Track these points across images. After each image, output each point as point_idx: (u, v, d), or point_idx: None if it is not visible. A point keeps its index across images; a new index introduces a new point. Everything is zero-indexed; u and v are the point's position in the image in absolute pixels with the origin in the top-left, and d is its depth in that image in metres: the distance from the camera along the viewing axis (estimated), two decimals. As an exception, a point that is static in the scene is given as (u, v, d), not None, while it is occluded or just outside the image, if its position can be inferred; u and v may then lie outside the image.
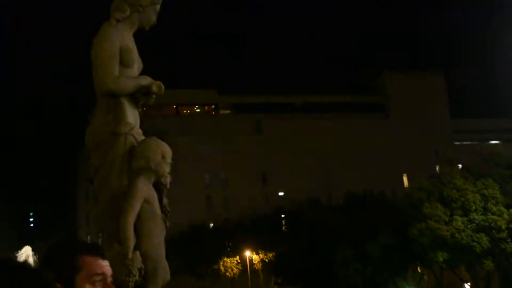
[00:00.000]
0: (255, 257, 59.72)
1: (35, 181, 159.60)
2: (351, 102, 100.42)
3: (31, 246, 35.91)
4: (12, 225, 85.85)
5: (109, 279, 3.20)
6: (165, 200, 8.14)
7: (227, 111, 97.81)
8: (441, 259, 48.54)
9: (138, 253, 7.53)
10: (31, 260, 35.00)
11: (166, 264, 7.92)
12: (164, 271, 7.83)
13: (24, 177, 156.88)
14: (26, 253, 35.57)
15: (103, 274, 3.14)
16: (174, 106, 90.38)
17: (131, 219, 7.49)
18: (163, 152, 7.97)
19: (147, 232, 7.65)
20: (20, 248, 35.89)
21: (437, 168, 79.16)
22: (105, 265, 3.18)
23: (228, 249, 61.60)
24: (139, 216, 7.58)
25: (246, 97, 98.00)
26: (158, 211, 7.89)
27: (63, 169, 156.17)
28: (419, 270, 58.30)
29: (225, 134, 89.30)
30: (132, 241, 7.46)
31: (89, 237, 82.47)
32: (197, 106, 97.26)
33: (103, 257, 3.25)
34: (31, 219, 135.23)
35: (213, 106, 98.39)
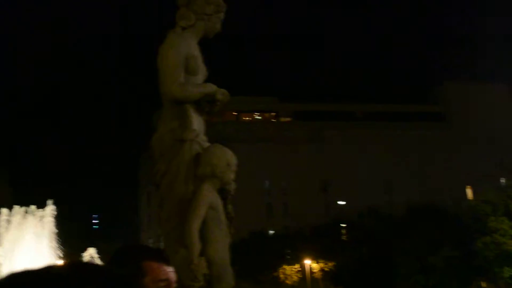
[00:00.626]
0: (315, 266, 59.35)
1: (99, 184, 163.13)
2: (413, 111, 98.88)
3: (95, 248, 36.79)
4: (76, 227, 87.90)
5: (174, 285, 3.24)
6: (229, 207, 8.22)
7: (288, 119, 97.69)
8: (507, 275, 47.15)
9: (203, 258, 7.61)
10: (95, 261, 35.81)
11: (231, 270, 7.97)
12: (229, 277, 7.89)
13: (88, 180, 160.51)
14: (90, 255, 36.46)
15: (168, 280, 3.17)
16: (235, 113, 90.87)
17: (196, 225, 7.59)
18: (228, 159, 8.06)
19: (212, 238, 7.73)
20: (84, 249, 36.80)
21: (502, 181, 77.11)
22: (169, 271, 3.22)
23: (288, 256, 61.40)
24: (204, 222, 7.67)
25: (307, 105, 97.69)
26: (223, 217, 7.97)
27: (126, 172, 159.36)
28: (483, 285, 56.77)
29: (285, 142, 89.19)
30: (197, 247, 7.55)
31: (150, 240, 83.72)
32: (257, 113, 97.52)
33: (168, 263, 3.29)
34: (95, 221, 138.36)
35: (273, 113, 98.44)
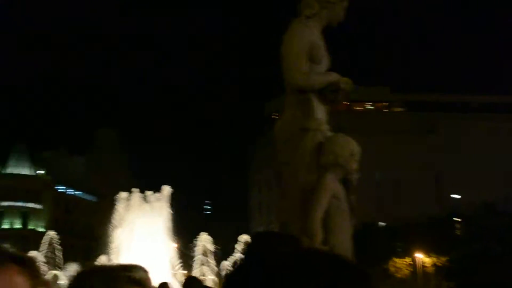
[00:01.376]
0: (427, 260, 57.88)
1: (211, 171, 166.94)
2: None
3: (207, 233, 37.65)
4: (190, 212, 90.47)
5: None
6: (352, 197, 8.15)
7: (400, 109, 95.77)
8: None
9: (326, 248, 7.60)
10: (208, 247, 36.65)
11: (354, 260, 7.92)
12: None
13: (200, 167, 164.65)
14: (203, 240, 37.35)
15: None
16: (347, 103, 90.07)
17: (319, 214, 7.58)
18: (351, 149, 8.00)
19: (335, 228, 7.70)
20: (197, 234, 37.72)
21: None
22: None
23: (399, 249, 60.24)
24: (327, 212, 7.65)
25: (419, 95, 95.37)
26: (346, 207, 7.92)
27: (237, 159, 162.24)
28: None
29: (397, 132, 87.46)
30: (320, 236, 7.55)
31: (261, 227, 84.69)
32: (369, 103, 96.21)
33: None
34: (207, 207, 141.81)
35: (385, 104, 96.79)
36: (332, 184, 7.74)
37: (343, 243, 7.78)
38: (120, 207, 35.80)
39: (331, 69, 8.85)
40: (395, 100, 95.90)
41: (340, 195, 7.85)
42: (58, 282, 36.57)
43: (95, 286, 1.84)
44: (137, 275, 1.90)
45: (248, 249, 3.47)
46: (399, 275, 58.50)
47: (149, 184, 38.23)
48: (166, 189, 35.80)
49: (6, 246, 1.48)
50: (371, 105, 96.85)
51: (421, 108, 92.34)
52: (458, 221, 62.61)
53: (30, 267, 1.38)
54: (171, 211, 35.35)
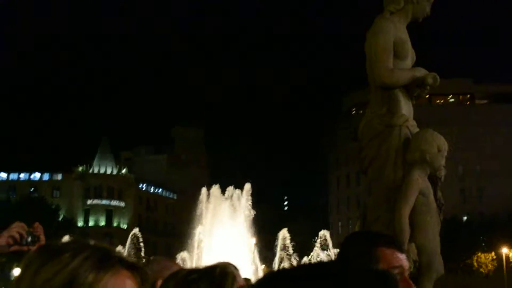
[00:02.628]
0: (512, 254, 56.16)
1: (289, 167, 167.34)
2: None
3: (286, 229, 37.72)
4: (269, 208, 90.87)
5: (406, 273, 3.22)
6: (439, 193, 8.04)
7: (484, 101, 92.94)
8: None
9: (413, 245, 7.53)
10: (287, 242, 36.75)
11: (441, 258, 7.80)
12: (439, 265, 7.73)
13: (278, 163, 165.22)
14: (283, 236, 37.47)
15: (401, 266, 3.15)
16: (427, 96, 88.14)
17: (406, 211, 7.51)
18: (438, 145, 7.87)
19: (422, 225, 7.61)
20: (277, 231, 37.87)
21: None
22: (402, 258, 3.17)
23: (483, 244, 58.65)
24: (414, 208, 7.57)
25: (504, 86, 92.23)
26: (433, 204, 7.81)
27: (314, 155, 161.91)
28: None
29: (480, 125, 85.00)
30: (407, 233, 7.48)
31: (339, 223, 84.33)
32: (451, 96, 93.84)
33: (401, 250, 3.28)
34: (285, 203, 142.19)
35: (468, 96, 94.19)
36: (419, 181, 7.65)
37: (431, 240, 7.69)
38: (200, 204, 36.34)
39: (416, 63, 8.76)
40: (479, 91, 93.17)
41: (428, 192, 7.75)
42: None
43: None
44: (233, 271, 1.99)
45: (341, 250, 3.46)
46: (483, 271, 57.00)
47: (228, 181, 38.62)
48: (247, 186, 36.10)
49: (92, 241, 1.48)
50: (453, 98, 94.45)
51: (506, 100, 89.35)
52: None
53: (140, 273, 1.37)
54: (252, 208, 35.62)
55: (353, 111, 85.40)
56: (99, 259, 1.30)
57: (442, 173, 7.99)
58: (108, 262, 1.31)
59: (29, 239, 2.78)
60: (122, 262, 1.34)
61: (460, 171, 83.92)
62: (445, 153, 7.92)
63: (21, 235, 2.79)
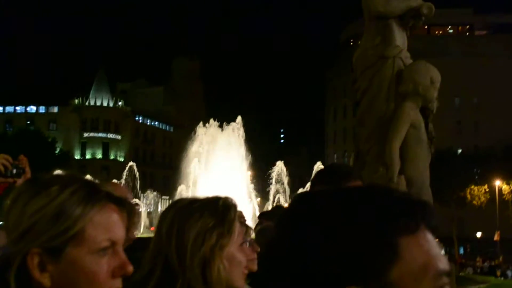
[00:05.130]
0: (506, 187, 56.70)
1: (287, 99, 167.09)
2: None
3: (282, 161, 37.88)
4: (265, 141, 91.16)
5: None
6: (431, 126, 7.97)
7: (483, 32, 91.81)
8: None
9: (403, 177, 7.52)
10: (283, 175, 37.00)
11: (429, 190, 7.81)
12: (428, 197, 7.74)
13: (276, 95, 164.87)
14: (278, 168, 37.67)
15: None
16: (426, 26, 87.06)
17: (397, 143, 7.47)
18: (432, 76, 7.75)
19: (412, 157, 7.58)
20: (274, 163, 38.06)
21: None
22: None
23: (476, 177, 59.09)
24: (405, 141, 7.53)
25: (504, 16, 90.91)
26: (424, 136, 7.76)
27: (312, 87, 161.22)
28: None
29: (479, 57, 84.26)
30: (397, 165, 7.46)
31: (335, 155, 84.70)
32: (450, 27, 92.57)
33: (357, 182, 3.21)
34: (282, 136, 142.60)
35: (467, 27, 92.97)
36: (411, 113, 7.58)
37: (421, 172, 7.67)
38: (196, 137, 36.38)
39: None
40: (478, 22, 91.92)
41: (419, 124, 7.69)
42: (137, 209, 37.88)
43: (207, 219, 1.91)
44: (233, 202, 2.00)
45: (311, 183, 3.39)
46: (475, 203, 57.63)
47: (225, 114, 38.51)
48: (240, 119, 36.03)
49: (88, 177, 1.50)
50: (452, 28, 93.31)
51: (506, 30, 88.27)
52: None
53: (127, 207, 1.39)
54: (247, 140, 35.64)
55: (351, 42, 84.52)
56: (86, 193, 1.32)
57: (435, 105, 7.90)
58: (95, 196, 1.32)
59: (14, 171, 2.74)
60: (109, 197, 1.35)
61: (457, 103, 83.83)
62: (438, 85, 7.81)
63: (5, 167, 2.75)
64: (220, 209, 1.95)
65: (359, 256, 0.83)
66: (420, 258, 0.85)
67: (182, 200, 2.07)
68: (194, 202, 2.00)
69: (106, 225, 1.33)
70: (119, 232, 1.35)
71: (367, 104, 8.06)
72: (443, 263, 0.88)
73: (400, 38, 8.12)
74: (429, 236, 0.88)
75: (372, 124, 7.94)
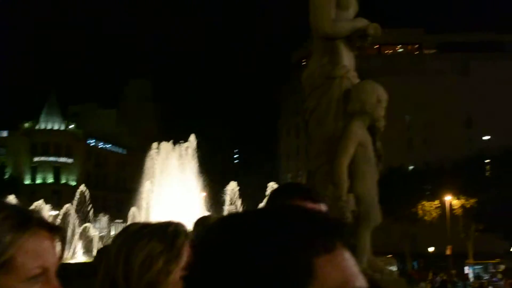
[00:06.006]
0: (456, 202, 57.74)
1: (240, 118, 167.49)
2: None
3: (235, 181, 37.82)
4: (218, 161, 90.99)
5: None
6: (378, 144, 8.11)
7: (432, 51, 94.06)
8: None
9: (351, 195, 7.62)
10: (236, 195, 36.96)
11: (379, 207, 7.93)
12: (376, 214, 7.85)
13: (229, 114, 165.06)
14: (232, 189, 37.60)
15: None
16: (377, 46, 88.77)
17: (345, 162, 7.57)
18: (378, 96, 7.90)
19: (361, 175, 7.69)
20: (226, 183, 37.98)
21: None
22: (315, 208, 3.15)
23: (428, 192, 60.12)
24: (353, 159, 7.64)
25: (452, 36, 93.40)
26: (372, 154, 7.89)
27: (266, 106, 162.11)
28: None
29: (428, 74, 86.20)
30: (346, 184, 7.56)
31: (289, 175, 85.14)
32: (400, 46, 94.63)
33: (316, 202, 3.24)
34: (236, 156, 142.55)
35: (417, 46, 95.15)
36: (358, 132, 7.70)
37: (369, 190, 7.79)
38: (149, 159, 36.14)
39: (362, 12, 8.72)
40: (427, 41, 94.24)
41: (367, 142, 7.82)
42: (88, 234, 37.37)
43: (155, 244, 1.90)
44: (183, 228, 2.00)
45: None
46: (427, 218, 58.53)
47: (179, 135, 38.35)
48: (193, 138, 35.95)
49: (40, 202, 1.48)
50: (402, 48, 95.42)
51: (454, 49, 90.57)
52: (488, 162, 62.13)
53: (59, 233, 1.36)
54: (200, 160, 35.56)
55: (303, 62, 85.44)
56: (16, 219, 1.29)
57: (382, 123, 8.04)
58: (26, 222, 1.29)
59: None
60: (40, 223, 1.32)
61: (407, 120, 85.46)
62: (385, 104, 7.96)
63: None
64: (170, 234, 1.94)
65: (275, 278, 0.80)
66: (336, 277, 0.83)
67: (134, 225, 2.06)
68: (145, 227, 2.00)
69: (38, 252, 1.30)
70: (51, 259, 1.32)
71: (316, 124, 8.16)
72: (360, 281, 0.87)
73: (347, 58, 8.27)
74: (346, 255, 0.87)
75: (321, 143, 8.04)
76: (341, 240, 0.87)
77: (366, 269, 7.52)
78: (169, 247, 1.92)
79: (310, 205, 3.06)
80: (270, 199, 3.24)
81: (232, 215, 0.91)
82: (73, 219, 37.99)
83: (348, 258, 0.87)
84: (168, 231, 1.96)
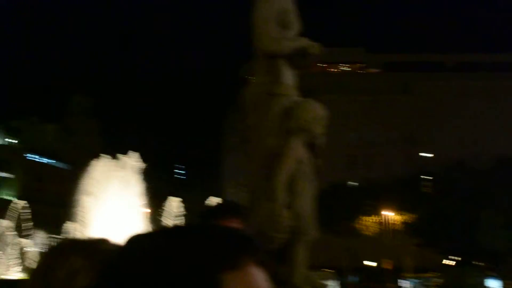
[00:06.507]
0: (395, 218, 58.95)
1: (183, 133, 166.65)
2: (507, 61, 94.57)
3: (178, 198, 37.58)
4: (161, 177, 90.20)
5: None
6: (318, 161, 8.25)
7: (376, 70, 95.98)
8: None
9: (289, 211, 7.71)
10: (177, 210, 36.68)
11: (315, 223, 8.05)
12: (313, 230, 7.97)
13: (172, 129, 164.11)
14: (171, 204, 37.35)
15: None
16: (322, 65, 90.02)
17: (283, 178, 7.66)
18: (317, 114, 8.05)
19: (299, 192, 7.80)
20: (168, 199, 37.70)
21: None
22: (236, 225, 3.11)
23: (368, 208, 61.17)
24: (291, 176, 7.74)
25: (395, 56, 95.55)
26: (310, 171, 8.02)
27: (210, 121, 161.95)
28: None
29: (372, 93, 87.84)
30: (284, 200, 7.65)
31: (232, 190, 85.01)
32: (345, 65, 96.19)
33: (242, 220, 3.24)
34: (179, 171, 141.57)
35: (361, 65, 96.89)
36: (297, 149, 7.82)
37: (308, 206, 7.90)
38: (90, 174, 35.59)
39: (305, 31, 8.87)
40: (371, 61, 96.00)
41: (305, 159, 7.94)
42: (25, 249, 36.58)
43: (79, 260, 1.88)
44: (112, 245, 1.96)
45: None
46: (368, 233, 59.49)
47: (122, 151, 37.89)
48: (135, 154, 35.61)
49: None
50: (347, 67, 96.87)
51: (397, 69, 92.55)
52: (428, 179, 63.60)
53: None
54: (142, 176, 35.19)
55: (249, 79, 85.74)
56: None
57: (321, 141, 8.18)
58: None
59: None
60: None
61: (350, 138, 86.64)
62: (324, 122, 8.11)
63: None
64: (96, 251, 1.91)
65: None
66: None
67: (64, 241, 2.05)
68: (72, 243, 1.98)
69: None
70: None
71: (255, 141, 8.24)
72: None
73: (289, 77, 8.39)
74: (256, 271, 0.86)
75: (260, 160, 8.12)
76: (252, 257, 0.87)
77: (302, 285, 7.62)
78: (93, 263, 1.87)
79: (234, 222, 3.08)
80: (199, 217, 3.26)
81: (141, 235, 0.91)
82: (12, 234, 37.12)
83: (257, 275, 0.86)
84: (95, 248, 1.93)
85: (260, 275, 0.88)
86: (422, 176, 63.80)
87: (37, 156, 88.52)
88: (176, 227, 0.93)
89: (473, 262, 58.11)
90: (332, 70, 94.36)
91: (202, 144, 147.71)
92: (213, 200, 33.48)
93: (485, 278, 54.40)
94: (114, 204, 32.49)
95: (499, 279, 52.97)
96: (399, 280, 57.08)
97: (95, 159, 35.82)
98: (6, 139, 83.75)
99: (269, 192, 7.74)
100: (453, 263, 61.60)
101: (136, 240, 0.91)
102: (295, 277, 7.70)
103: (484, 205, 51.83)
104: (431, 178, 62.86)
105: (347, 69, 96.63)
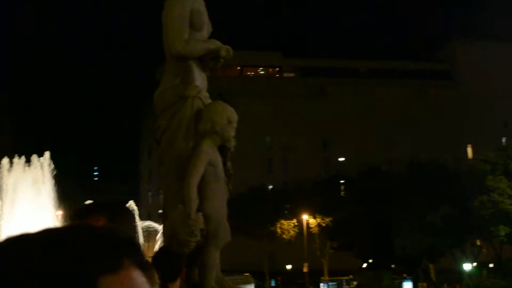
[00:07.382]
0: (312, 221, 59.79)
1: (101, 135, 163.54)
2: (418, 69, 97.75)
3: (94, 200, 36.89)
4: (76, 178, 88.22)
5: None
6: (229, 163, 8.26)
7: (292, 74, 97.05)
8: (502, 233, 47.81)
9: (200, 214, 7.69)
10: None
11: (228, 225, 8.07)
12: (225, 233, 7.99)
13: (90, 130, 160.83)
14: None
15: None
16: (238, 68, 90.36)
17: (195, 181, 7.64)
18: (228, 116, 8.07)
19: (210, 194, 7.80)
20: (83, 201, 36.89)
21: (503, 141, 77.22)
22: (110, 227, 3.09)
23: (286, 212, 61.76)
24: (203, 178, 7.72)
25: (311, 61, 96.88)
26: (222, 174, 8.03)
27: (127, 123, 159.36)
28: (478, 243, 57.44)
29: (288, 97, 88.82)
30: (195, 202, 7.62)
31: (150, 193, 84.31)
32: (261, 68, 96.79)
33: (108, 217, 3.19)
34: (95, 173, 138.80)
35: (277, 69, 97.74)
36: (209, 151, 7.81)
37: (218, 209, 7.91)
38: (1, 175, 34.39)
39: (219, 34, 8.86)
40: (287, 65, 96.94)
41: (217, 162, 7.94)
42: None
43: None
44: None
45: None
46: (285, 237, 60.08)
47: (35, 150, 36.79)
48: (48, 155, 34.66)
49: None
50: (263, 70, 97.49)
51: (312, 73, 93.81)
52: (343, 183, 64.85)
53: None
54: (56, 177, 34.28)
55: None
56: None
57: (232, 144, 8.21)
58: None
59: None
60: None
61: (268, 141, 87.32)
62: (235, 125, 8.13)
63: None
64: None
65: None
66: None
67: None
68: None
69: None
70: None
71: (166, 143, 8.18)
72: None
73: (199, 79, 8.37)
74: (135, 273, 0.85)
75: (171, 162, 8.08)
76: (131, 259, 0.86)
77: (214, 288, 7.62)
78: None
79: (101, 221, 3.01)
80: (72, 218, 3.18)
81: (12, 238, 0.89)
82: None
83: (135, 277, 0.86)
84: None
85: (140, 277, 0.87)
86: (340, 181, 65.07)
87: None
88: (54, 229, 0.90)
89: (392, 266, 59.81)
90: (249, 73, 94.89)
91: (121, 146, 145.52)
92: (131, 204, 33.11)
93: (400, 280, 55.99)
94: (25, 206, 31.53)
95: (411, 281, 54.56)
96: (320, 284, 58.04)
97: (5, 159, 34.68)
98: None
99: (181, 195, 7.70)
100: (365, 265, 63.22)
101: (13, 241, 0.89)
102: (207, 281, 7.69)
103: (396, 208, 53.26)
104: (345, 182, 64.22)
105: (263, 73, 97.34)
